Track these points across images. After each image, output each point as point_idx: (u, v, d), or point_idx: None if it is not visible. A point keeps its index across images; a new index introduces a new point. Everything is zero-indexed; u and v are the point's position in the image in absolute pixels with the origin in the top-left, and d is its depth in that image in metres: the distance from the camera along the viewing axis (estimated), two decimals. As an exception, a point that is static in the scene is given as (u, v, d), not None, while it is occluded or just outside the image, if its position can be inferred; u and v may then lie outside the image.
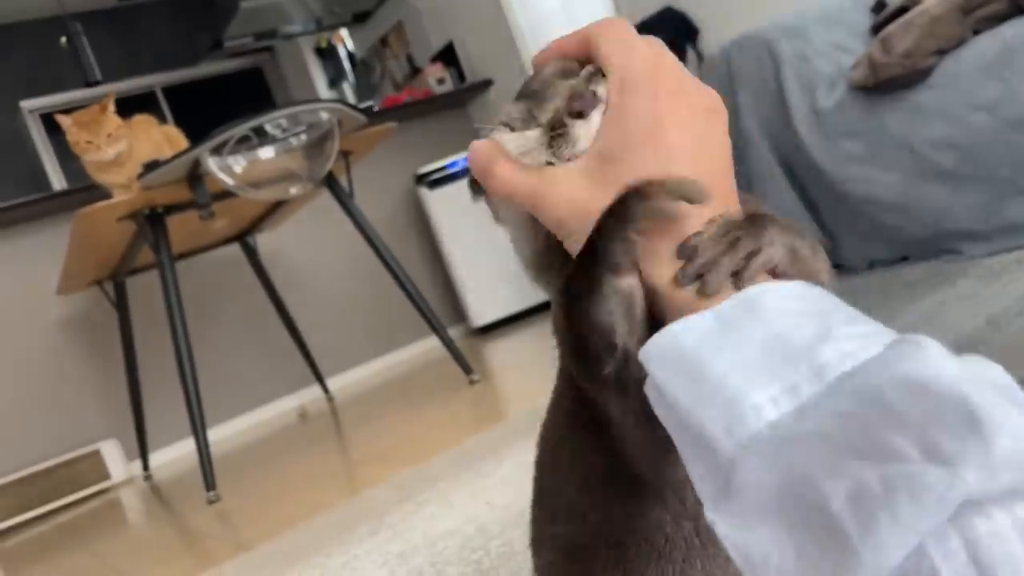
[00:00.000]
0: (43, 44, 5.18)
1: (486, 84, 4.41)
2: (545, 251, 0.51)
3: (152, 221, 2.37)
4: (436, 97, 4.35)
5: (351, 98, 5.70)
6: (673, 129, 0.43)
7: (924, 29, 1.88)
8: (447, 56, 4.67)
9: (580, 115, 0.45)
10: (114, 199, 2.37)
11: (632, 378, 0.42)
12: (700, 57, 3.22)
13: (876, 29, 2.16)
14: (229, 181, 2.33)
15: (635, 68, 0.45)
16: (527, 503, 0.61)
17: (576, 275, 0.44)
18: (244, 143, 2.34)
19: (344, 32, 5.78)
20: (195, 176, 2.31)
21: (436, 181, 3.86)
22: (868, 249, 2.05)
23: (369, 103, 4.41)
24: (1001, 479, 0.28)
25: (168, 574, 1.74)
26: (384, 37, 5.33)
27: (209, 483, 2.26)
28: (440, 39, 4.75)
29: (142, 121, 2.60)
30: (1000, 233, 1.79)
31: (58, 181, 5.53)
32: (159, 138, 2.57)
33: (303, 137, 2.49)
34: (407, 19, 5.03)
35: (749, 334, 0.36)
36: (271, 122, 2.40)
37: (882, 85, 1.92)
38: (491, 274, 3.72)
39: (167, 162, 2.24)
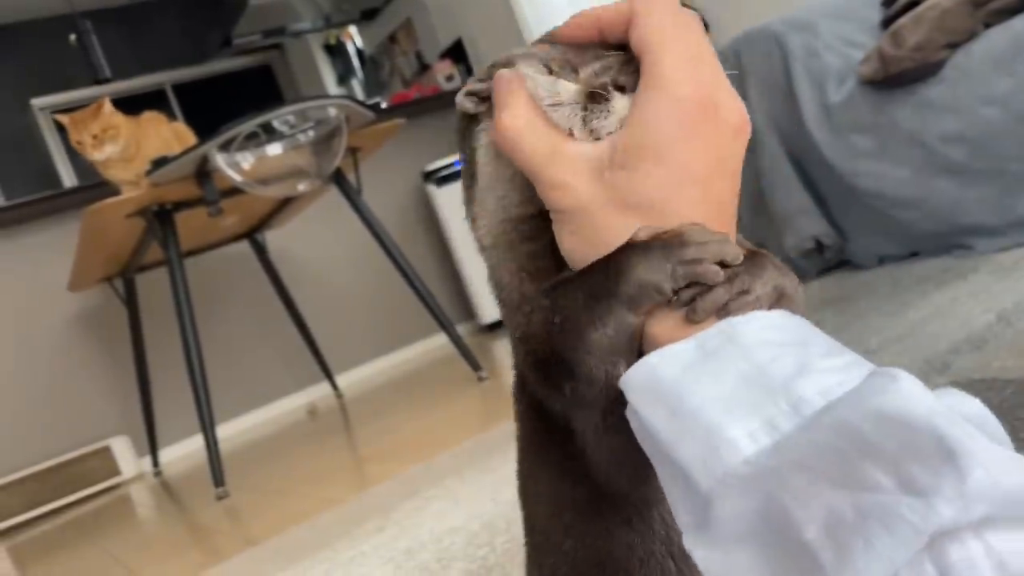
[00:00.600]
0: (53, 42, 5.20)
1: (495, 80, 4.41)
2: (522, 222, 0.47)
3: (161, 218, 2.37)
4: (445, 94, 4.34)
5: (360, 95, 5.70)
6: (693, 147, 0.40)
7: (935, 23, 1.87)
8: (456, 53, 4.67)
9: (624, 89, 0.42)
10: (123, 196, 2.38)
11: (599, 397, 0.41)
12: (709, 52, 3.21)
13: (886, 23, 2.14)
14: (237, 177, 2.33)
15: (672, 66, 0.41)
16: (532, 499, 0.61)
17: (583, 292, 0.42)
18: (252, 139, 2.35)
19: (353, 29, 5.79)
20: (204, 173, 2.32)
21: (444, 178, 3.85)
22: (878, 244, 2.04)
23: (378, 100, 4.42)
24: (975, 510, 0.28)
25: (177, 569, 1.74)
26: (393, 34, 5.33)
27: (218, 479, 2.27)
28: (449, 36, 4.74)
29: (151, 118, 2.61)
30: (1012, 228, 1.78)
31: (68, 178, 5.56)
32: (168, 135, 2.58)
33: (311, 133, 2.49)
34: (416, 16, 5.02)
35: (729, 365, 0.36)
36: (279, 118, 2.40)
37: (892, 79, 1.91)
38: (500, 271, 3.72)
39: (176, 158, 2.24)
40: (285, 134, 2.45)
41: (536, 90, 0.43)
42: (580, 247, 0.43)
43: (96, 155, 2.41)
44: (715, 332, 0.38)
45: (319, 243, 3.80)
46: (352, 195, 2.65)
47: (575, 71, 0.44)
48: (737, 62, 2.21)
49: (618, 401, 0.40)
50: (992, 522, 0.28)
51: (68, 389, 3.37)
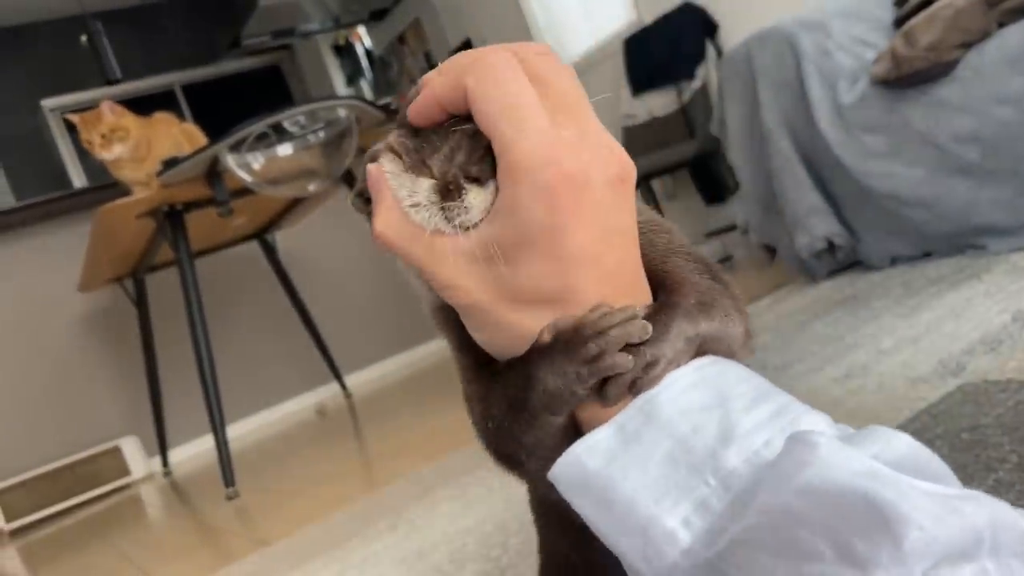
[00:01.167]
0: (64, 43, 5.22)
1: (504, 81, 4.41)
2: (445, 308, 0.46)
3: (171, 218, 2.38)
4: (454, 94, 4.34)
5: (369, 95, 5.70)
6: (574, 229, 0.37)
7: (948, 22, 1.85)
8: (464, 53, 4.67)
9: (477, 181, 0.39)
10: (134, 196, 2.38)
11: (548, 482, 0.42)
12: (719, 53, 3.20)
13: (899, 23, 2.13)
14: (248, 178, 2.34)
15: (523, 152, 0.37)
16: (548, 500, 0.61)
17: (505, 402, 0.41)
18: (263, 140, 2.35)
19: (362, 29, 5.79)
20: (214, 173, 2.32)
21: (454, 178, 3.85)
22: (891, 245, 2.03)
23: (387, 100, 4.41)
24: (915, 571, 0.28)
25: (187, 569, 1.74)
26: (402, 34, 5.33)
27: (228, 479, 2.27)
28: (457, 36, 4.75)
29: (162, 119, 2.61)
30: (1026, 229, 1.77)
31: (79, 179, 5.57)
32: (179, 136, 2.58)
33: (321, 134, 2.49)
34: (425, 16, 5.03)
35: (652, 446, 0.36)
36: (290, 119, 2.40)
37: (905, 79, 1.90)
38: (509, 271, 3.72)
39: (186, 159, 2.25)
40: (295, 135, 2.45)
41: (398, 191, 0.42)
42: (489, 340, 0.42)
43: (105, 155, 2.42)
44: (633, 412, 0.37)
45: (329, 243, 3.81)
46: (362, 195, 2.64)
47: (425, 163, 0.41)
48: (749, 63, 2.20)
49: None
50: (935, 570, 0.28)
51: (78, 389, 3.38)
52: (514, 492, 1.31)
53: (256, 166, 2.35)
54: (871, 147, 1.98)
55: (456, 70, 0.41)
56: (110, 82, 4.20)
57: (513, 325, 0.40)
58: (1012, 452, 0.83)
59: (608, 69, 3.74)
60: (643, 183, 3.22)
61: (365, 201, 0.45)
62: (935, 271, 1.82)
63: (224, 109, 4.09)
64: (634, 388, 0.38)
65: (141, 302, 3.15)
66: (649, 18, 3.50)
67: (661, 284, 0.42)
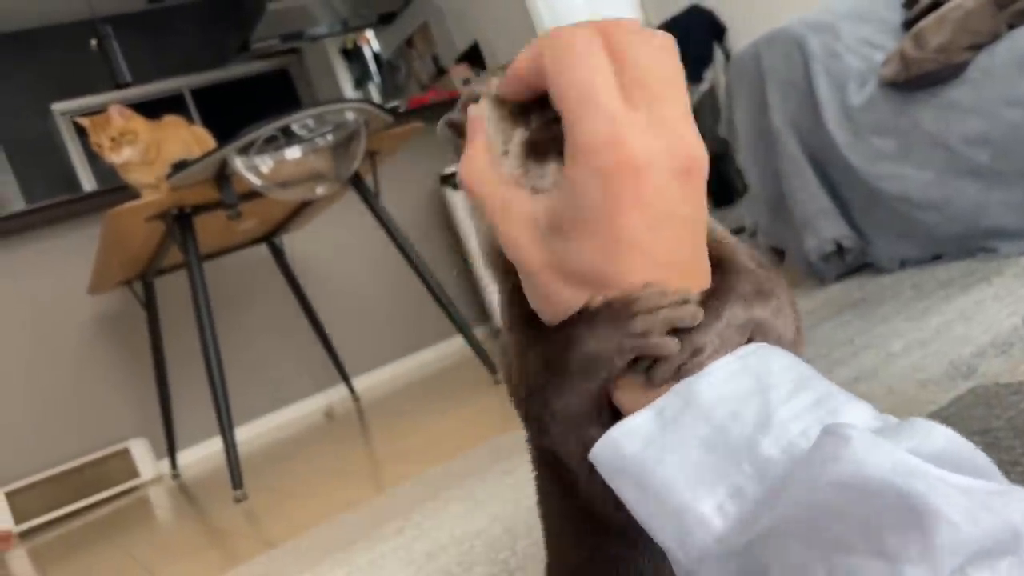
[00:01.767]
0: (74, 47, 5.24)
1: (511, 84, 4.41)
2: (503, 254, 0.46)
3: (180, 221, 2.38)
4: (461, 97, 4.35)
5: (377, 99, 5.72)
6: (625, 214, 0.38)
7: (958, 24, 1.85)
8: (472, 56, 4.68)
9: (560, 155, 0.40)
10: (143, 199, 2.39)
11: (575, 451, 0.42)
12: (727, 55, 3.20)
13: (908, 24, 2.13)
14: (256, 181, 2.34)
15: (586, 133, 0.38)
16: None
17: (541, 362, 0.42)
18: (271, 143, 2.36)
19: (370, 33, 5.81)
20: (223, 176, 2.33)
21: (461, 181, 3.85)
22: (901, 248, 2.02)
23: (395, 103, 4.43)
24: (944, 566, 0.28)
25: (196, 571, 1.75)
26: (409, 38, 5.34)
27: (236, 481, 2.27)
28: (465, 40, 4.75)
29: (171, 122, 2.62)
30: (1036, 231, 1.76)
31: (88, 182, 5.60)
32: (188, 139, 2.59)
33: (330, 137, 2.49)
34: (432, 20, 5.04)
35: (690, 432, 0.36)
36: (298, 122, 2.40)
37: (914, 81, 1.89)
38: (516, 274, 3.72)
39: (195, 162, 2.26)
40: (304, 138, 2.46)
41: (494, 135, 0.43)
42: (538, 305, 0.43)
43: (114, 158, 2.43)
44: (673, 397, 0.37)
45: (337, 246, 3.81)
46: (370, 198, 2.65)
47: (526, 117, 0.42)
48: (757, 65, 2.20)
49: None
50: (970, 565, 0.28)
51: (87, 391, 3.39)
52: (522, 494, 1.31)
53: (265, 169, 2.36)
54: (880, 149, 1.97)
55: (538, 48, 0.41)
56: (120, 86, 4.23)
57: (557, 296, 0.41)
58: (1024, 455, 0.82)
59: (616, 72, 3.74)
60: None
61: (455, 132, 0.46)
62: (945, 274, 1.82)
63: (233, 113, 4.10)
64: (680, 373, 0.38)
65: (150, 305, 3.16)
66: (656, 21, 3.50)
67: (717, 268, 0.43)
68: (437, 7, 4.91)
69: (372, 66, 5.93)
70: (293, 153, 2.43)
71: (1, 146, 5.46)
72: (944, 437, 0.32)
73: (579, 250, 0.39)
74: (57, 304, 3.36)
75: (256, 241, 3.32)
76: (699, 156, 0.40)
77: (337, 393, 3.72)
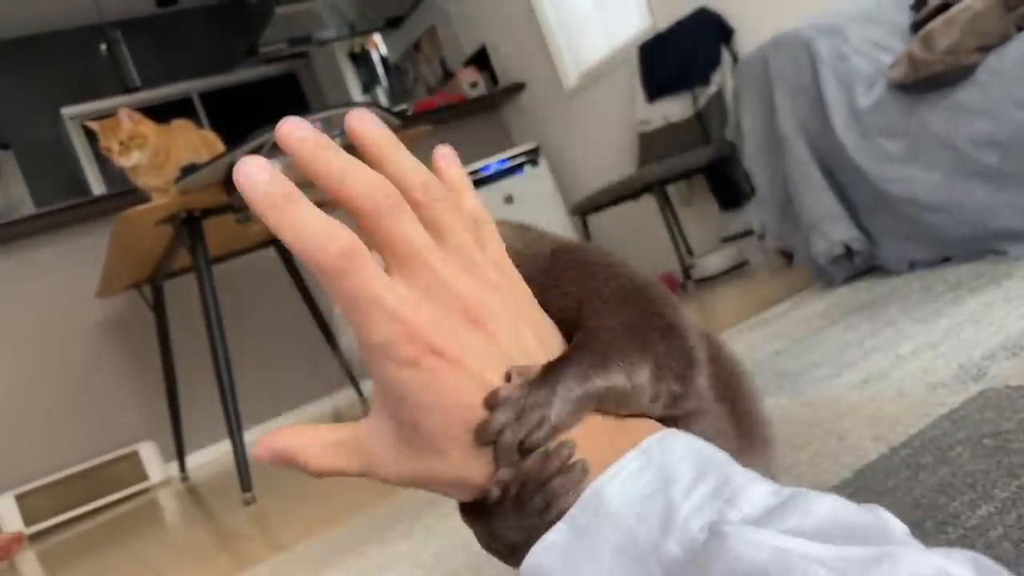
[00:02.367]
0: (83, 52, 5.28)
1: (519, 87, 4.42)
2: None
3: (189, 225, 2.39)
4: (469, 101, 4.36)
5: (384, 103, 5.73)
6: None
7: (967, 26, 1.84)
8: (480, 60, 4.68)
9: None
10: (152, 203, 2.40)
11: None
12: (735, 58, 3.20)
13: (916, 27, 2.12)
14: (265, 184, 2.35)
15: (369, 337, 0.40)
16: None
17: (483, 539, 0.46)
18: (280, 147, 2.36)
19: (377, 37, 5.82)
20: (231, 180, 2.33)
21: (469, 184, 3.85)
22: (909, 250, 2.02)
23: (403, 107, 4.43)
24: None
25: (204, 574, 1.75)
26: (417, 42, 5.35)
27: (245, 484, 2.28)
28: (472, 43, 4.76)
29: (181, 126, 2.63)
30: (1046, 233, 1.75)
31: (98, 186, 5.63)
32: (197, 142, 2.60)
33: (338, 141, 2.49)
34: (440, 24, 5.05)
35: (601, 540, 0.38)
36: (306, 126, 2.41)
37: (923, 83, 1.89)
38: (524, 277, 3.71)
39: (204, 166, 2.26)
40: (312, 141, 2.46)
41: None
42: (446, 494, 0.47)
43: (123, 161, 2.44)
44: (583, 506, 0.39)
45: (344, 250, 3.82)
46: (378, 202, 2.66)
47: None
48: (765, 67, 2.19)
49: None
50: None
51: (96, 394, 3.41)
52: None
53: (273, 173, 2.36)
54: (888, 151, 1.97)
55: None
56: (129, 90, 4.25)
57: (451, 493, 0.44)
58: (1034, 458, 0.82)
59: (623, 76, 3.74)
60: (659, 189, 3.21)
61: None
62: (954, 276, 1.81)
63: (241, 117, 4.12)
64: (522, 453, 0.41)
65: (159, 308, 3.18)
66: (664, 24, 3.50)
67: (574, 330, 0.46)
68: (444, 11, 4.92)
69: (380, 70, 5.95)
70: (301, 157, 2.43)
71: (11, 150, 5.49)
72: (827, 507, 0.34)
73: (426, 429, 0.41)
74: (66, 307, 3.37)
75: (264, 244, 3.33)
76: (477, 302, 0.40)
77: (345, 396, 3.73)
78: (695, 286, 3.25)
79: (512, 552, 0.43)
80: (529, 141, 4.31)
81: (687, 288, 3.20)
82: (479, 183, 3.90)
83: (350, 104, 3.67)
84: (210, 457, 3.51)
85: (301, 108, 6.26)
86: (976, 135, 1.82)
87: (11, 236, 3.32)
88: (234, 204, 2.36)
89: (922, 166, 1.91)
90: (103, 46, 4.21)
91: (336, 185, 0.40)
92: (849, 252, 2.10)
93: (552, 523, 0.40)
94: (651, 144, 3.53)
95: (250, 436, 3.18)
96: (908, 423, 1.03)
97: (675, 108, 3.44)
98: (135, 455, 3.40)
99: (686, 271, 3.24)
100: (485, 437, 0.39)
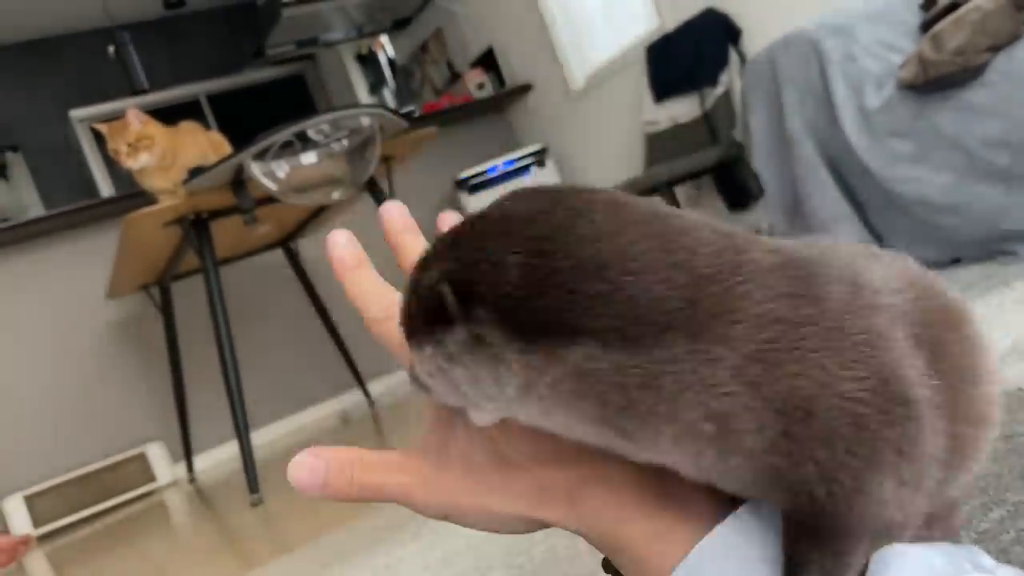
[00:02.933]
0: (92, 54, 5.29)
1: (526, 88, 4.41)
2: None
3: (197, 226, 2.40)
4: (476, 102, 4.36)
5: (392, 104, 5.73)
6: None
7: (977, 25, 1.83)
8: (487, 61, 4.68)
9: None
10: (160, 205, 2.40)
11: None
12: (742, 59, 3.19)
13: (925, 26, 2.11)
14: (272, 186, 2.35)
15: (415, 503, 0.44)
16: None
17: None
18: (287, 149, 2.36)
19: (384, 39, 5.83)
20: (239, 181, 2.34)
21: (476, 186, 3.86)
22: (918, 251, 2.00)
23: (410, 109, 4.44)
24: None
25: (213, 574, 1.75)
26: (424, 43, 5.35)
27: (253, 485, 2.28)
28: (480, 44, 4.76)
29: (188, 128, 2.63)
30: (1057, 234, 1.74)
31: (107, 188, 5.64)
32: (205, 144, 2.60)
33: (345, 142, 2.50)
34: (447, 25, 5.05)
35: None
36: (314, 127, 2.41)
37: (932, 83, 1.88)
38: (531, 278, 3.71)
39: (212, 168, 2.27)
40: (319, 143, 2.46)
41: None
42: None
43: (131, 163, 2.44)
44: None
45: (352, 251, 3.82)
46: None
47: None
48: (773, 67, 2.19)
49: None
50: None
51: (105, 395, 3.41)
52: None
53: (281, 174, 2.37)
54: (898, 152, 1.96)
55: None
56: (137, 92, 4.26)
57: None
58: (1047, 461, 0.81)
59: (630, 76, 3.73)
60: (666, 190, 3.21)
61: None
62: (964, 278, 1.80)
63: (248, 119, 4.12)
64: None
65: (167, 309, 3.18)
66: (672, 25, 3.49)
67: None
68: (451, 12, 4.92)
69: (387, 71, 5.95)
70: (309, 158, 2.44)
71: (21, 152, 5.51)
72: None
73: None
74: (75, 309, 3.38)
75: (272, 246, 3.34)
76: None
77: (352, 398, 3.73)
78: (703, 287, 3.23)
79: None
80: (536, 142, 4.30)
81: (695, 289, 3.18)
82: (486, 184, 3.90)
83: (358, 106, 3.68)
84: (218, 458, 3.51)
85: (308, 110, 6.27)
86: (986, 136, 1.81)
87: (20, 238, 3.33)
88: (242, 205, 2.36)
89: (932, 167, 1.91)
90: (111, 48, 4.22)
91: (354, 302, 0.51)
92: (858, 253, 2.09)
93: None
94: (658, 145, 3.52)
95: (257, 437, 3.18)
96: (919, 425, 1.02)
97: (682, 109, 3.44)
98: (143, 456, 3.41)
99: (694, 272, 3.22)
100: None
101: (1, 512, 3.18)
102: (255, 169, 2.31)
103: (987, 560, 0.35)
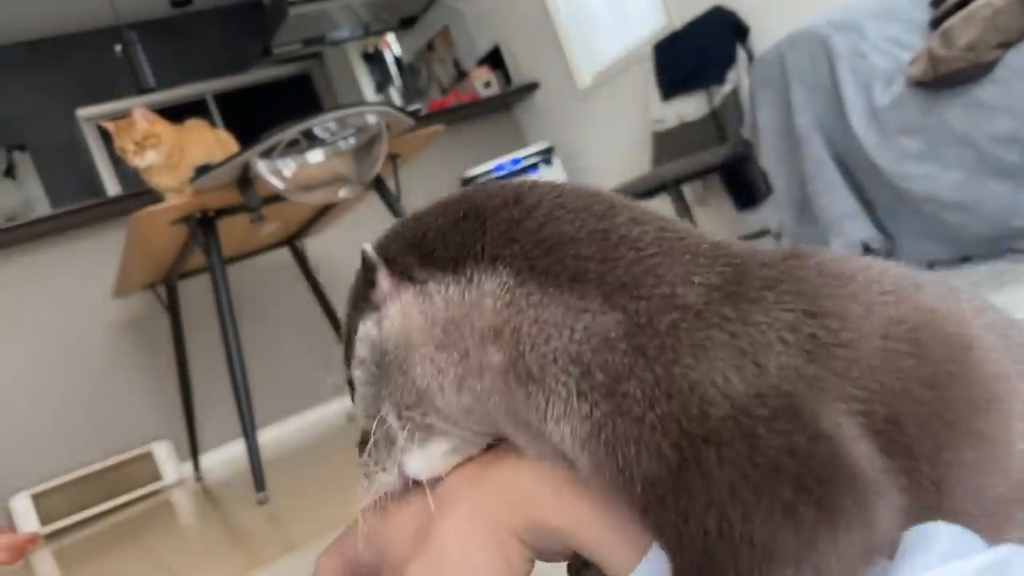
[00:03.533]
0: (98, 53, 5.29)
1: (532, 87, 4.40)
2: None
3: (203, 225, 2.39)
4: (482, 100, 4.35)
5: (398, 102, 5.72)
6: None
7: (987, 22, 1.82)
8: (493, 59, 4.67)
9: None
10: (167, 203, 2.40)
11: None
12: (750, 56, 3.17)
13: (935, 23, 2.10)
14: (279, 184, 2.35)
15: None
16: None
17: None
18: (293, 147, 2.36)
19: (391, 37, 5.82)
20: (246, 180, 2.33)
21: (483, 184, 3.85)
22: (928, 249, 1.99)
23: (416, 107, 4.43)
24: None
25: (219, 573, 1.75)
26: (430, 41, 5.35)
27: (259, 484, 2.27)
28: (486, 43, 4.75)
29: (195, 126, 2.63)
30: (1069, 232, 1.73)
31: (113, 187, 5.65)
32: (211, 142, 2.60)
33: (352, 141, 2.49)
34: (453, 23, 5.04)
35: None
36: (320, 125, 2.41)
37: (942, 80, 1.87)
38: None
39: (218, 166, 2.26)
40: (326, 141, 2.46)
41: None
42: None
43: (138, 162, 2.44)
44: None
45: (358, 250, 3.81)
46: (391, 201, 2.65)
47: None
48: (782, 65, 2.18)
49: None
50: None
51: (111, 394, 3.41)
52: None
53: (287, 172, 2.36)
54: (907, 149, 1.94)
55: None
56: (143, 91, 4.26)
57: None
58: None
59: (637, 74, 3.72)
60: (674, 189, 3.19)
61: None
62: (974, 275, 1.79)
63: (255, 117, 4.12)
64: None
65: (173, 308, 3.18)
66: (679, 22, 3.48)
67: None
68: (458, 11, 4.91)
69: (393, 70, 5.94)
70: (315, 157, 2.43)
71: (28, 151, 5.52)
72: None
73: None
74: (82, 308, 3.39)
75: (278, 244, 3.33)
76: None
77: (359, 396, 3.72)
78: (710, 286, 3.22)
79: None
80: (543, 141, 4.29)
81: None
82: (493, 183, 3.90)
83: (364, 104, 3.67)
84: (224, 457, 3.51)
85: (315, 109, 6.27)
86: (997, 132, 1.79)
87: (28, 236, 3.33)
88: (248, 204, 2.35)
89: (942, 164, 1.89)
90: (118, 47, 4.22)
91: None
92: (867, 251, 2.08)
93: None
94: (666, 143, 3.51)
95: (263, 436, 3.18)
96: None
97: (690, 107, 3.42)
98: (149, 455, 3.41)
99: (701, 271, 3.21)
100: None
101: (8, 510, 3.18)
102: (262, 167, 2.30)
103: None
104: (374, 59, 6.07)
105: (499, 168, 3.95)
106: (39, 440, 3.29)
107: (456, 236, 0.39)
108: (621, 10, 3.91)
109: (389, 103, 5.26)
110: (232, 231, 2.57)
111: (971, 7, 1.91)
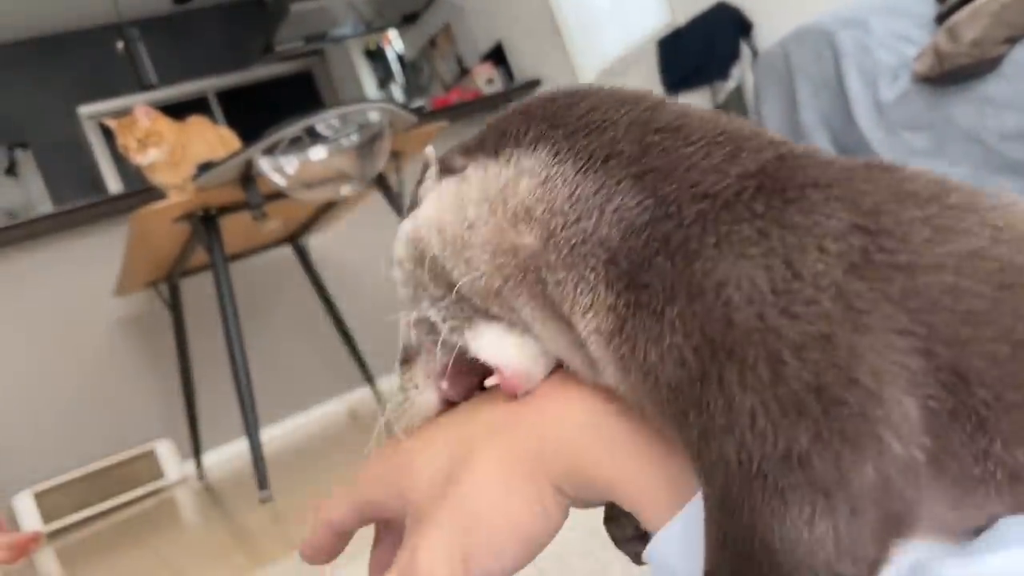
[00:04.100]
0: (100, 50, 5.28)
1: (535, 84, 4.40)
2: None
3: (206, 222, 2.39)
4: (485, 97, 4.34)
5: (400, 99, 5.72)
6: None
7: (994, 17, 1.81)
8: (496, 56, 4.67)
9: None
10: (169, 201, 2.40)
11: None
12: (754, 52, 3.17)
13: (941, 18, 2.09)
14: (281, 182, 2.34)
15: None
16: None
17: None
18: (296, 144, 2.35)
19: (393, 34, 5.81)
20: (248, 177, 2.33)
21: (485, 181, 3.84)
22: (934, 246, 1.99)
23: (419, 104, 4.42)
24: None
25: (222, 572, 1.74)
26: (433, 38, 5.34)
27: (262, 482, 2.27)
28: (488, 40, 4.74)
29: (197, 123, 2.63)
30: (1076, 228, 1.72)
31: (115, 184, 5.64)
32: (213, 140, 2.59)
33: (354, 138, 2.49)
34: (455, 20, 5.03)
35: None
36: (323, 122, 2.40)
37: (948, 76, 1.86)
38: (541, 274, 3.70)
39: (221, 163, 2.26)
40: (329, 138, 2.45)
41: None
42: None
43: (140, 159, 2.44)
44: None
45: (361, 247, 3.80)
46: (394, 199, 2.65)
47: None
48: (786, 60, 2.17)
49: None
50: None
51: (114, 392, 3.41)
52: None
53: (290, 170, 2.35)
54: (913, 145, 1.94)
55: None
56: (145, 88, 4.25)
57: None
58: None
59: (641, 71, 3.71)
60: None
61: None
62: (981, 272, 1.78)
63: (257, 115, 4.11)
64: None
65: (176, 306, 3.18)
66: (683, 19, 3.47)
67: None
68: (460, 7, 4.90)
69: (395, 67, 5.94)
70: (318, 154, 2.42)
71: (29, 149, 5.52)
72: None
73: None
74: (84, 305, 3.38)
75: (281, 242, 3.33)
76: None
77: (361, 394, 3.72)
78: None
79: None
80: (545, 138, 4.28)
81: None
82: (495, 180, 3.89)
83: (367, 101, 3.67)
84: (227, 455, 3.51)
85: (317, 106, 6.26)
86: (1003, 128, 1.78)
87: (29, 234, 3.33)
88: (251, 201, 2.35)
89: (948, 160, 1.88)
90: (120, 44, 4.21)
91: None
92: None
93: None
94: (669, 140, 3.50)
95: (266, 434, 3.18)
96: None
97: (694, 103, 3.41)
98: (152, 453, 3.41)
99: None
100: None
101: (11, 509, 3.18)
102: (264, 164, 2.29)
103: None
104: (376, 56, 6.06)
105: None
106: (41, 438, 3.29)
107: (503, 125, 0.40)
108: (624, 6, 3.90)
109: (391, 100, 5.25)
110: (234, 229, 2.57)
111: (977, 2, 1.90)
